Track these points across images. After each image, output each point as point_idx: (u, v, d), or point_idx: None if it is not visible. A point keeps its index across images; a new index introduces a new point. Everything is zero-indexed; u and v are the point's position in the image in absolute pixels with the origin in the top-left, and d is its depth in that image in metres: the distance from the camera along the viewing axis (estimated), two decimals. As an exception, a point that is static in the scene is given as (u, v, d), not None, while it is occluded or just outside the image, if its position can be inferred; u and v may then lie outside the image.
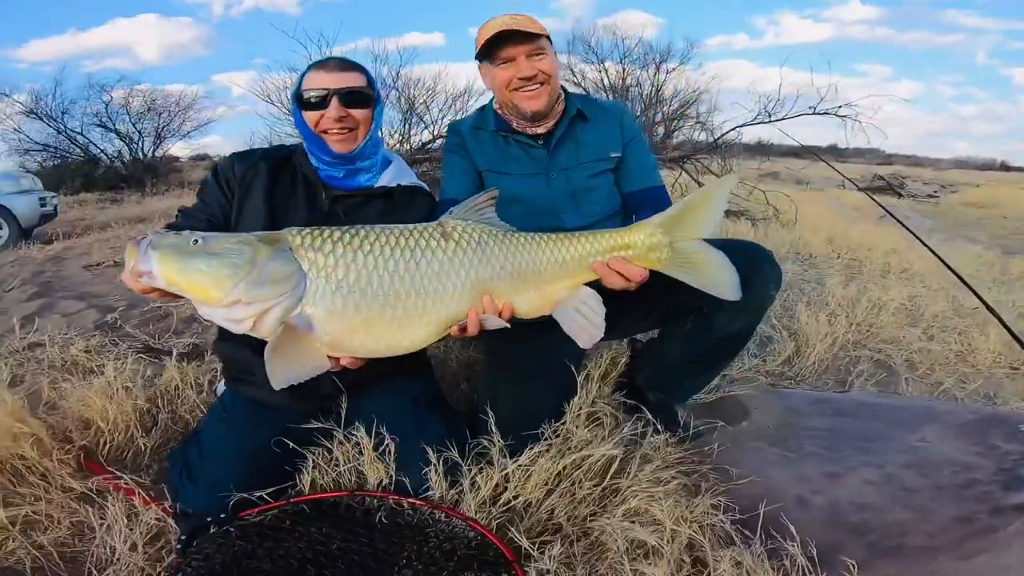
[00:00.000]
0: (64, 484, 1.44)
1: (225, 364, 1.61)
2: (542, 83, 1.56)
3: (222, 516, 1.18)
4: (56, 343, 2.61)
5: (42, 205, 6.88)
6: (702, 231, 1.27)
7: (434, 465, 1.27)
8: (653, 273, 1.30)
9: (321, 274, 1.09)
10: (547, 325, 1.61)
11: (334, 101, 1.43)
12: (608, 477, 1.35)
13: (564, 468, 1.33)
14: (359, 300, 1.10)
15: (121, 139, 14.65)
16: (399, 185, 1.57)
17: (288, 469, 1.38)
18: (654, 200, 1.66)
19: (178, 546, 1.16)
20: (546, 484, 1.31)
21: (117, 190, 12.93)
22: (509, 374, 1.60)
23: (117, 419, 1.70)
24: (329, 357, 1.15)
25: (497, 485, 1.29)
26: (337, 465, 1.36)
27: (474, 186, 1.64)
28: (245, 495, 1.23)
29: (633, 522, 1.20)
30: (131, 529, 1.25)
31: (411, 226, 1.20)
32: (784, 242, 5.29)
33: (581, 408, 1.49)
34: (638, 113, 9.34)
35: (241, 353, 1.47)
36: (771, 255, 1.54)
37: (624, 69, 10.58)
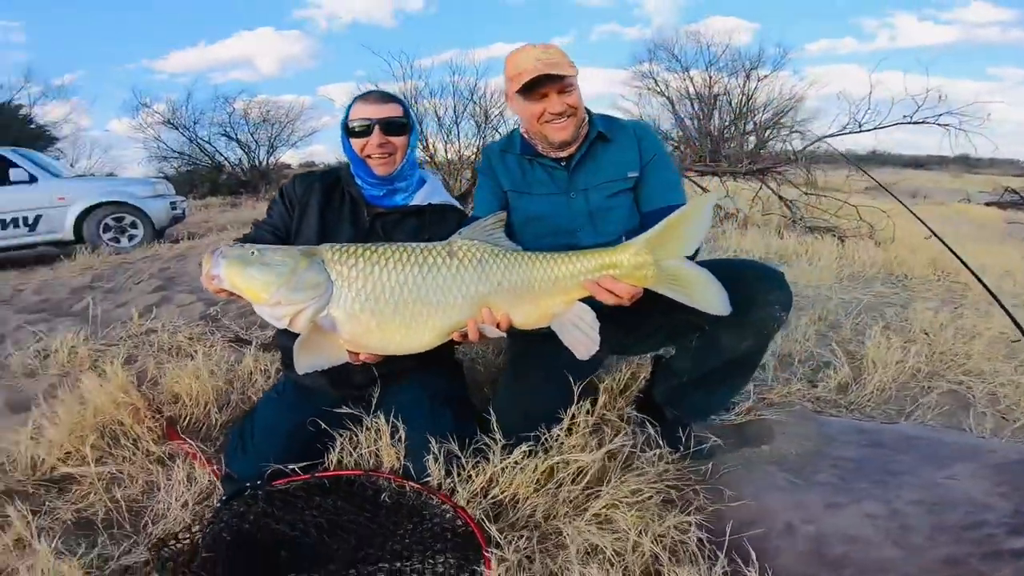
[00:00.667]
0: (147, 449, 1.76)
1: (282, 353, 1.87)
2: (570, 116, 1.67)
3: (258, 483, 1.41)
4: (166, 330, 3.08)
5: (173, 208, 7.87)
6: (685, 249, 1.33)
7: (433, 455, 1.43)
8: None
9: (344, 283, 1.30)
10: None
11: (376, 130, 1.65)
12: (595, 484, 1.43)
13: (550, 470, 1.44)
14: (373, 306, 1.29)
15: (241, 147, 16.33)
16: (430, 204, 1.77)
17: (320, 447, 1.61)
18: None
19: (218, 504, 1.41)
20: (537, 483, 1.43)
21: (237, 195, 14.40)
22: (519, 379, 1.72)
23: (199, 396, 2.03)
24: (350, 353, 1.36)
25: (491, 479, 1.42)
26: (360, 447, 1.57)
27: (499, 205, 1.78)
28: (280, 466, 1.46)
29: (601, 528, 1.29)
30: (187, 489, 1.52)
31: (425, 245, 1.38)
32: (874, 262, 4.92)
33: (577, 416, 1.57)
34: (727, 123, 9.01)
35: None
36: (779, 276, 1.54)
37: (711, 77, 10.25)
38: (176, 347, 2.85)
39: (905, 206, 2.17)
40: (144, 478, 1.67)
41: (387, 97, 1.72)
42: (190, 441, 1.72)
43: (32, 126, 16.11)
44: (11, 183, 6.93)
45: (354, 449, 1.58)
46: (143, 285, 4.68)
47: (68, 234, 7.11)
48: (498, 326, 1.34)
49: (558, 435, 1.53)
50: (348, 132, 1.69)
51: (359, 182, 1.75)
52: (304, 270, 1.29)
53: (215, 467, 1.62)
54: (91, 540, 1.42)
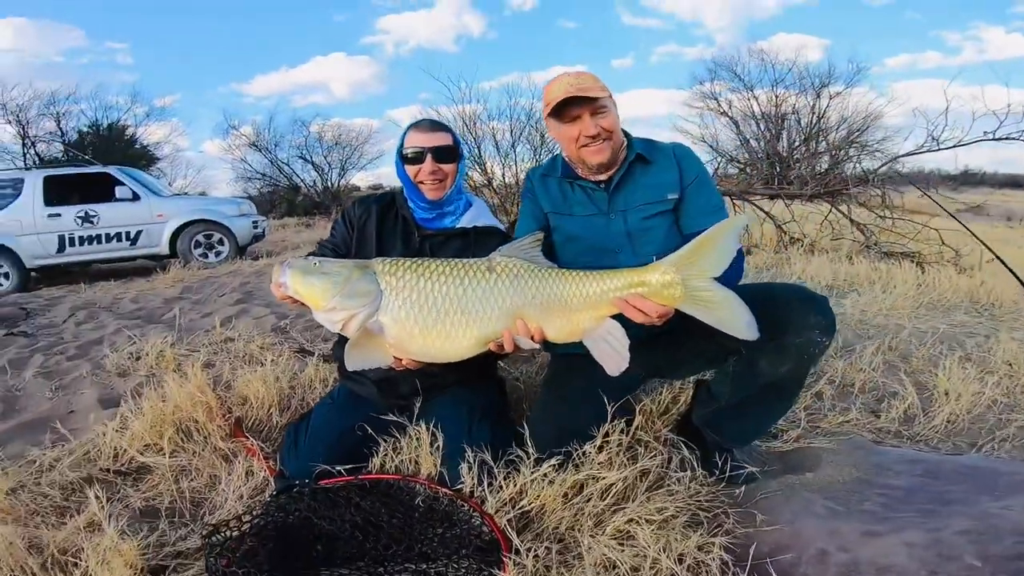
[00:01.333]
0: (215, 445, 1.93)
1: (339, 363, 2.02)
2: (605, 139, 1.72)
3: (306, 481, 1.53)
4: (242, 339, 3.36)
5: (255, 227, 8.51)
6: (712, 269, 1.35)
7: (468, 463, 1.51)
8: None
9: (393, 293, 1.41)
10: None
11: (428, 157, 1.78)
12: (622, 501, 1.45)
13: (579, 485, 1.47)
14: (417, 314, 1.40)
15: (316, 169, 17.33)
16: (475, 226, 1.88)
17: (366, 451, 1.72)
18: None
19: (269, 499, 1.54)
20: (564, 497, 1.47)
21: (311, 215, 15.26)
22: (556, 396, 1.77)
23: (264, 399, 2.21)
24: (395, 358, 1.47)
25: (521, 490, 1.48)
26: (401, 453, 1.67)
27: (538, 226, 1.85)
28: (327, 467, 1.58)
29: (621, 544, 1.31)
30: (245, 483, 1.67)
31: (467, 261, 1.48)
32: (957, 289, 4.59)
33: (610, 434, 1.59)
34: (796, 143, 8.66)
35: None
36: (821, 300, 1.52)
37: (777, 96, 9.87)
38: (249, 355, 3.09)
39: (963, 224, 2.06)
40: (209, 471, 1.83)
41: (437, 126, 1.85)
42: (252, 439, 1.88)
43: (137, 146, 17.74)
44: (116, 200, 7.72)
45: (396, 455, 1.68)
46: (226, 298, 5.08)
47: (164, 249, 7.83)
48: (532, 338, 1.41)
49: (589, 451, 1.56)
50: (402, 158, 1.83)
51: (411, 205, 1.88)
52: (357, 280, 1.41)
53: (271, 464, 1.77)
54: (153, 526, 1.58)
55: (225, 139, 17.39)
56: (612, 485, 1.48)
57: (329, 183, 17.24)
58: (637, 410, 1.77)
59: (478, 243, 1.86)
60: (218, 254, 7.96)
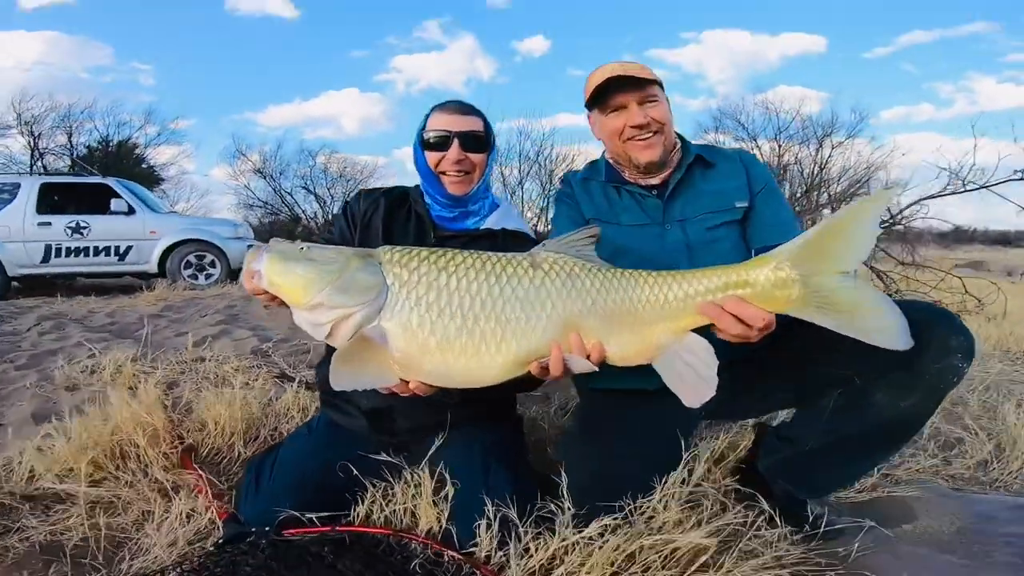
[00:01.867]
0: (155, 476, 1.54)
1: (321, 386, 1.66)
2: (656, 132, 1.47)
3: (266, 529, 1.15)
4: (215, 360, 2.97)
5: (250, 252, 8.18)
6: (845, 262, 1.02)
7: (487, 519, 1.13)
8: (783, 327, 1.08)
9: (403, 289, 1.07)
10: (648, 392, 1.40)
11: (454, 143, 1.47)
12: (693, 569, 1.09)
13: (639, 550, 1.10)
14: (435, 319, 1.05)
15: (317, 200, 17.15)
16: (503, 228, 1.56)
17: (348, 497, 1.34)
18: None
19: (211, 548, 1.14)
20: (612, 565, 1.09)
21: (309, 247, 15.00)
22: (595, 436, 1.42)
23: (226, 426, 1.82)
24: (402, 382, 1.10)
25: (554, 556, 1.10)
26: (394, 503, 1.28)
27: None
28: (296, 513, 1.20)
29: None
30: (183, 525, 1.27)
31: (502, 254, 1.15)
32: (988, 337, 4.37)
33: (676, 486, 1.25)
34: (799, 195, 8.54)
35: None
36: (958, 320, 1.21)
37: (780, 145, 9.83)
38: (221, 377, 2.70)
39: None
40: (141, 507, 1.45)
41: (468, 108, 1.55)
42: (201, 472, 1.48)
43: (144, 165, 17.65)
44: (111, 212, 7.42)
45: (387, 503, 1.30)
46: (208, 319, 4.71)
47: (153, 267, 7.49)
48: (588, 358, 1.06)
49: (645, 508, 1.21)
50: (423, 144, 1.53)
51: (428, 200, 1.58)
52: (356, 270, 1.08)
53: (222, 504, 1.37)
54: (55, 568, 1.21)
55: (232, 165, 17.25)
56: (676, 550, 1.12)
57: (329, 215, 17.07)
58: (697, 457, 1.41)
59: (507, 248, 1.52)
60: (208, 276, 7.59)
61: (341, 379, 1.03)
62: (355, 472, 1.34)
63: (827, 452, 1.35)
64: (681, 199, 1.51)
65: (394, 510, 1.28)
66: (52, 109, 15.81)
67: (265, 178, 17.11)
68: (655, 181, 1.52)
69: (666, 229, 1.49)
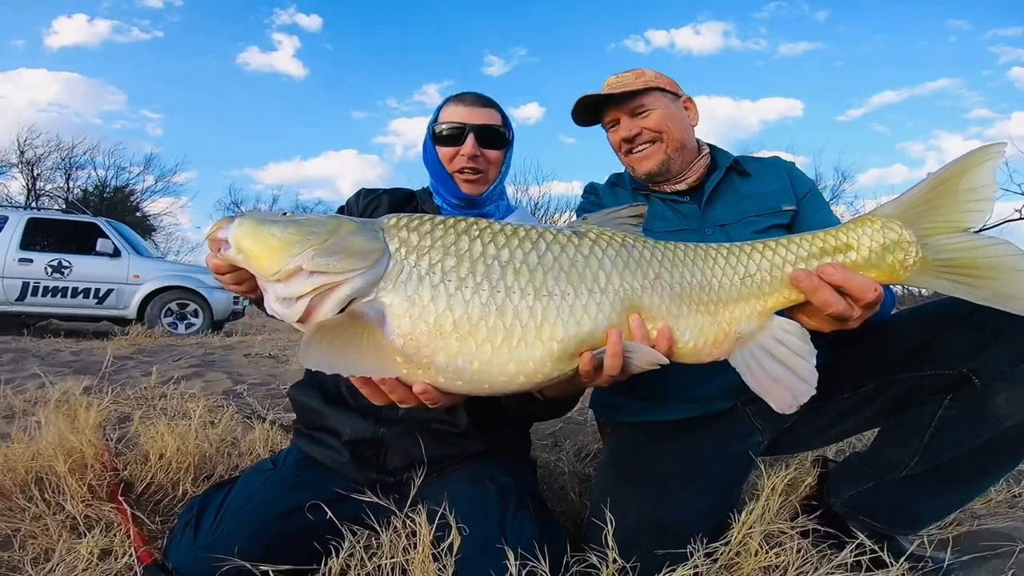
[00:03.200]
0: (70, 509, 1.21)
1: (296, 412, 1.36)
2: (651, 141, 1.34)
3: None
4: (180, 397, 2.63)
5: (235, 303, 7.84)
6: (968, 217, 0.83)
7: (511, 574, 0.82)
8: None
9: (411, 254, 0.81)
10: (695, 420, 1.20)
11: (470, 137, 1.30)
12: None
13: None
14: (454, 292, 0.78)
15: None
16: None
17: (319, 548, 1.01)
18: None
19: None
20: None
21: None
22: (638, 477, 1.15)
23: (172, 460, 1.48)
24: (400, 384, 0.81)
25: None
26: (379, 556, 0.96)
27: None
28: (245, 564, 0.87)
29: None
30: (93, 567, 0.94)
31: (537, 225, 0.91)
32: None
33: (752, 527, 0.98)
34: None
35: (311, 398, 1.27)
36: None
37: None
38: (183, 412, 2.36)
39: None
40: (45, 543, 1.12)
41: (485, 100, 1.37)
42: (125, 507, 1.15)
43: (138, 214, 17.53)
44: (96, 253, 7.14)
45: (370, 557, 0.97)
46: (181, 362, 4.38)
47: (132, 312, 7.12)
48: (655, 346, 0.80)
49: (720, 555, 0.94)
50: (435, 138, 1.34)
51: (438, 201, 1.38)
52: (349, 233, 0.82)
53: (147, 548, 1.03)
54: None
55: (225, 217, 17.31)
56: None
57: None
58: (764, 494, 1.13)
59: None
60: (189, 326, 7.21)
61: (314, 354, 0.72)
62: (330, 515, 1.02)
63: (931, 476, 1.09)
64: (720, 204, 1.35)
65: (379, 565, 0.95)
66: (55, 150, 15.94)
67: (257, 235, 17.12)
68: (680, 187, 1.38)
69: (707, 235, 1.31)
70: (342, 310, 0.78)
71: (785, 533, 1.07)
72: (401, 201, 1.42)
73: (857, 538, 1.07)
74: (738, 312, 0.85)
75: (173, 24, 31.61)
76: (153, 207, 18.13)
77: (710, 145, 1.46)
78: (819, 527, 1.17)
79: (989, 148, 0.84)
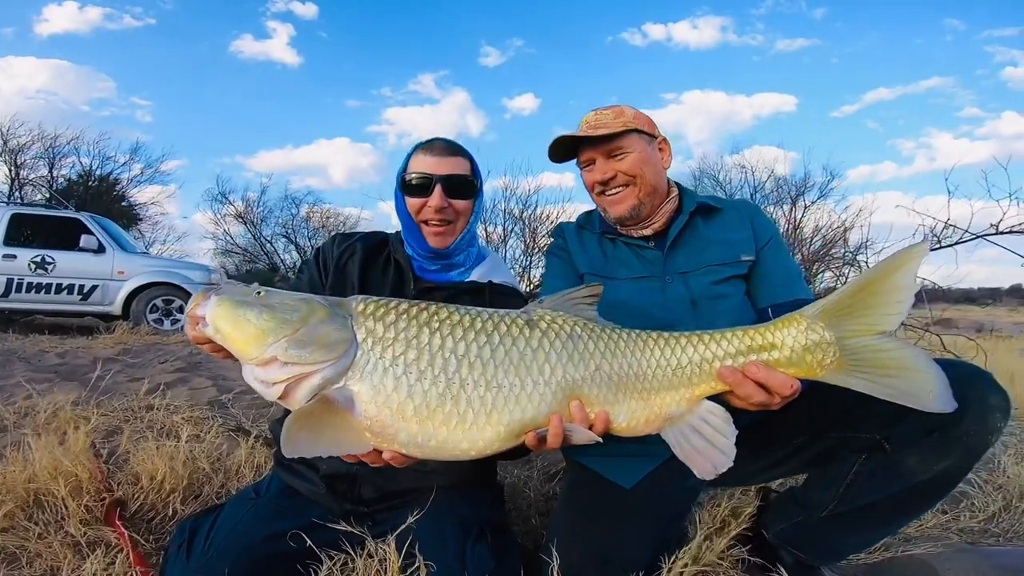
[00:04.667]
0: (70, 530, 1.32)
1: (276, 442, 1.46)
2: (626, 184, 1.39)
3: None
4: (166, 409, 2.71)
5: (221, 300, 7.86)
6: (885, 320, 0.93)
7: None
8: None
9: (376, 346, 0.92)
10: (646, 458, 1.29)
11: (437, 188, 1.34)
12: None
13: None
14: (415, 383, 0.90)
15: (298, 251, 16.82)
16: (491, 282, 1.43)
17: (300, 570, 1.13)
18: None
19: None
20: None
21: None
22: (588, 512, 1.26)
23: (165, 481, 1.59)
24: (372, 451, 0.93)
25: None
26: (353, 581, 1.08)
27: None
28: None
29: None
30: None
31: (493, 310, 1.02)
32: None
33: (687, 565, 1.11)
34: None
35: None
36: (991, 377, 1.12)
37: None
38: (170, 427, 2.45)
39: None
40: (50, 562, 1.23)
41: (454, 149, 1.41)
42: (123, 529, 1.26)
43: (123, 203, 17.18)
44: (79, 249, 7.11)
45: (345, 581, 1.09)
46: (167, 365, 4.43)
47: (117, 309, 7.10)
48: (592, 428, 0.94)
49: None
50: (403, 187, 1.39)
51: (408, 250, 1.44)
52: (319, 322, 0.92)
53: (145, 569, 1.15)
54: None
55: (212, 207, 16.84)
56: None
57: (307, 265, 16.78)
58: (698, 528, 1.28)
59: (495, 304, 1.40)
60: (175, 322, 7.21)
61: (296, 445, 0.85)
62: (309, 543, 1.14)
63: (848, 517, 1.22)
64: (683, 251, 1.42)
65: None
66: (39, 138, 15.60)
67: (246, 224, 16.87)
68: (647, 232, 1.43)
69: (667, 283, 1.39)
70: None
71: (721, 564, 1.21)
72: (376, 247, 1.47)
73: (784, 569, 1.22)
74: (668, 399, 0.97)
75: (166, 11, 30.89)
76: (140, 196, 17.77)
77: (678, 185, 1.50)
78: (750, 557, 1.31)
79: (913, 249, 0.94)
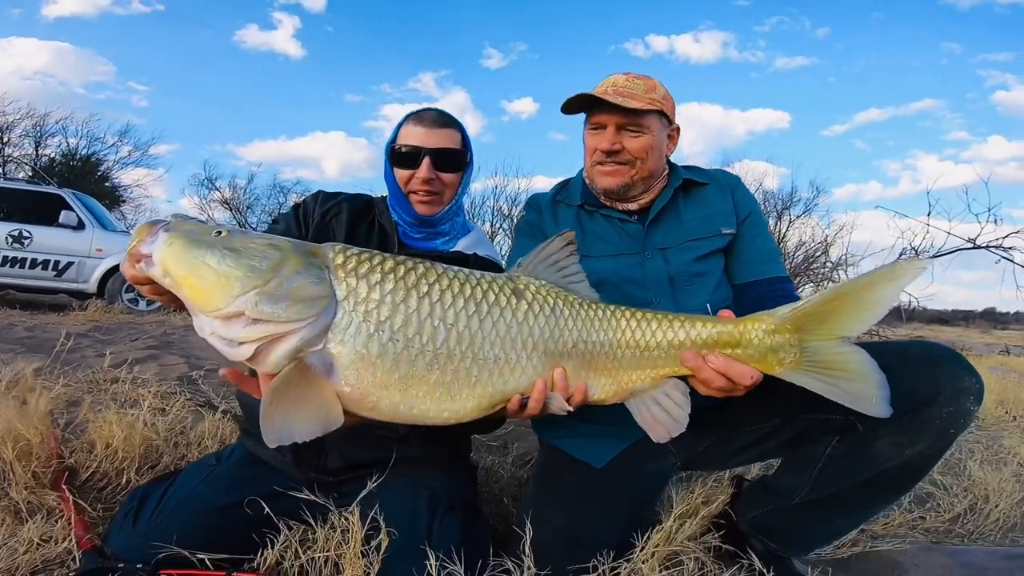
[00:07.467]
0: (14, 495, 1.25)
1: (243, 412, 1.40)
2: (625, 163, 1.35)
3: (137, 566, 0.88)
4: (132, 382, 2.62)
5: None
6: (849, 328, 0.94)
7: (428, 573, 0.94)
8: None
9: (359, 308, 0.84)
10: (617, 439, 1.27)
11: (426, 161, 1.31)
12: None
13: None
14: (401, 351, 0.85)
15: (283, 238, 16.63)
16: (475, 254, 1.40)
17: (256, 540, 1.07)
18: (778, 295, 1.31)
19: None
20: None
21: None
22: (558, 491, 1.23)
23: (119, 450, 1.51)
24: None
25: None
26: (313, 549, 1.03)
27: None
28: (183, 551, 0.93)
29: None
30: (32, 551, 0.99)
31: (480, 274, 0.97)
32: None
33: (658, 545, 1.09)
34: None
35: (257, 400, 1.28)
36: (964, 359, 1.10)
37: None
38: (134, 399, 2.36)
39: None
40: None
41: (445, 120, 1.38)
42: (67, 495, 1.19)
43: (107, 184, 16.82)
44: (59, 225, 6.94)
45: (304, 549, 1.04)
46: (138, 342, 4.32)
47: (92, 287, 6.94)
48: (569, 400, 0.95)
49: (626, 569, 1.06)
50: (392, 157, 1.36)
51: (395, 217, 1.40)
52: (295, 272, 0.83)
53: (87, 534, 1.08)
54: None
55: (199, 192, 16.67)
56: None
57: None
58: (672, 513, 1.26)
59: None
60: (151, 303, 7.05)
61: (275, 428, 0.78)
62: (268, 511, 1.07)
63: (820, 504, 1.20)
64: (664, 226, 1.39)
65: (312, 559, 1.04)
66: (28, 116, 15.27)
67: (231, 210, 16.62)
68: (632, 207, 1.40)
69: (646, 258, 1.36)
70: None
71: (693, 551, 1.18)
72: (361, 210, 1.42)
73: (755, 556, 1.19)
74: (634, 376, 0.99)
75: (176, -2, 30.59)
76: (125, 178, 17.41)
77: (670, 164, 1.47)
78: (721, 544, 1.29)
79: (913, 264, 0.93)
